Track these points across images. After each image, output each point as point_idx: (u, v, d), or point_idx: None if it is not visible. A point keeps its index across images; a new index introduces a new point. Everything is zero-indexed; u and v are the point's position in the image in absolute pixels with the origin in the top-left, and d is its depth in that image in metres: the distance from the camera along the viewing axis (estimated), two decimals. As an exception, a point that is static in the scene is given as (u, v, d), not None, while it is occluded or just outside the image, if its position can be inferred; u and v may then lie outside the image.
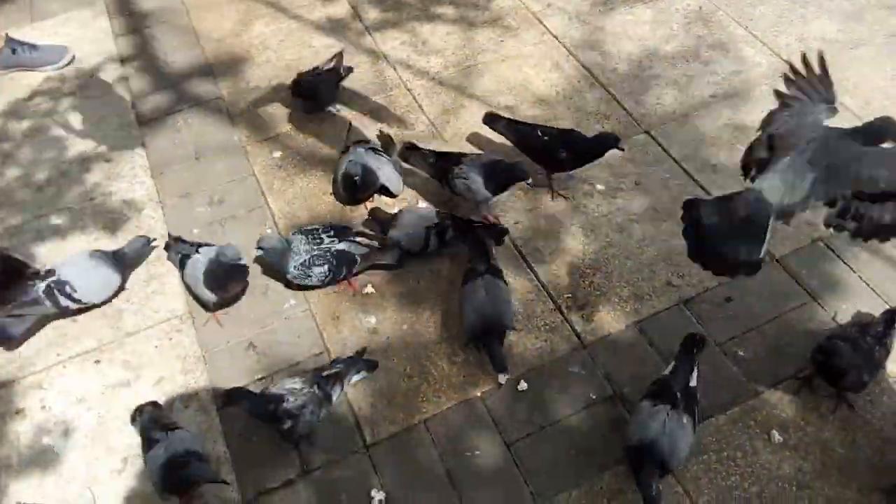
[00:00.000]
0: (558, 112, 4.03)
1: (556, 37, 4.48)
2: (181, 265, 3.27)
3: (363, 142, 3.72)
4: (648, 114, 3.98)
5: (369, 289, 3.30)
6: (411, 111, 4.11)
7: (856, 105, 3.89)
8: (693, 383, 2.66)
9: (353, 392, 2.98)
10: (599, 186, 3.64)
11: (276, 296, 3.32)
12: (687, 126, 3.90)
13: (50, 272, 3.16)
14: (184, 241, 3.37)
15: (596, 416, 2.86)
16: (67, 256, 3.32)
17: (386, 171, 3.58)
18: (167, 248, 3.42)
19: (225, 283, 3.17)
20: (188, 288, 3.30)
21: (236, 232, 3.54)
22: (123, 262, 3.32)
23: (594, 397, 2.92)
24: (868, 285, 3.17)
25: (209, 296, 3.16)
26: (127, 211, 3.70)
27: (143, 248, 3.43)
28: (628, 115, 3.99)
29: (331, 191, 3.73)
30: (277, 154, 3.94)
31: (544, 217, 3.54)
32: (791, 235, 3.36)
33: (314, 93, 4.04)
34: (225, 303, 3.24)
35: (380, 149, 3.67)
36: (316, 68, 4.10)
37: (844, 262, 3.26)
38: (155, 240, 3.48)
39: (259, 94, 4.26)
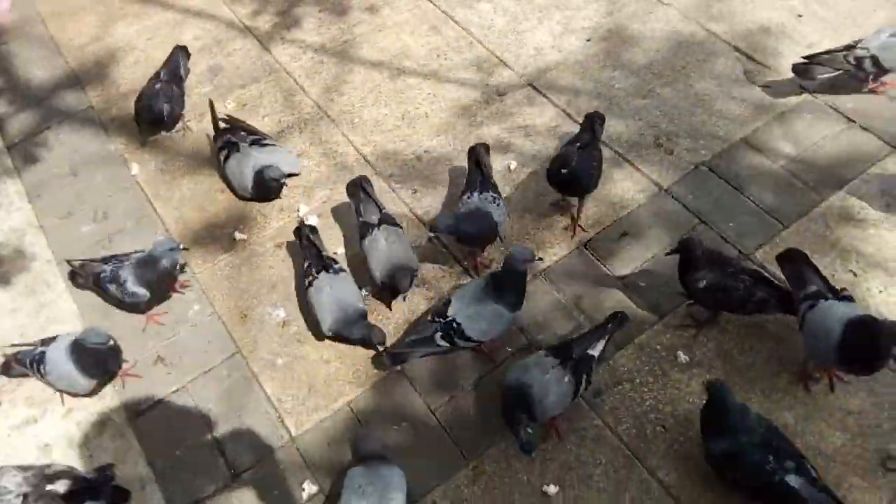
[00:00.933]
0: (441, 73, 4.02)
1: (430, 0, 4.44)
2: (38, 370, 2.89)
3: (239, 132, 3.59)
4: (528, 65, 4.01)
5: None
6: (295, 94, 4.01)
7: (721, 29, 4.05)
8: (593, 352, 2.68)
9: (272, 385, 2.94)
10: (491, 143, 3.67)
11: (180, 303, 3.22)
12: (566, 73, 3.95)
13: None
14: (25, 351, 2.95)
15: (514, 367, 2.92)
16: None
17: (280, 158, 3.52)
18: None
19: (103, 365, 2.86)
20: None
21: (126, 246, 3.40)
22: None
23: (510, 350, 2.98)
24: (752, 200, 3.32)
25: (85, 383, 2.84)
26: (5, 240, 3.50)
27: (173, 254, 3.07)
28: (509, 68, 4.01)
29: (223, 188, 3.62)
30: (160, 158, 3.79)
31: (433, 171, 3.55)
32: (675, 164, 3.49)
33: (161, 116, 3.70)
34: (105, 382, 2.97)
35: (258, 137, 3.59)
36: (156, 77, 3.83)
37: (728, 183, 3.40)
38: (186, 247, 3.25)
39: (132, 98, 4.07)
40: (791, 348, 2.84)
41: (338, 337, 2.92)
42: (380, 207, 3.17)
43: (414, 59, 4.12)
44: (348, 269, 3.11)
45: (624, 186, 3.44)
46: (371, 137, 3.76)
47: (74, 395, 2.94)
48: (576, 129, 3.68)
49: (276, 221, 3.46)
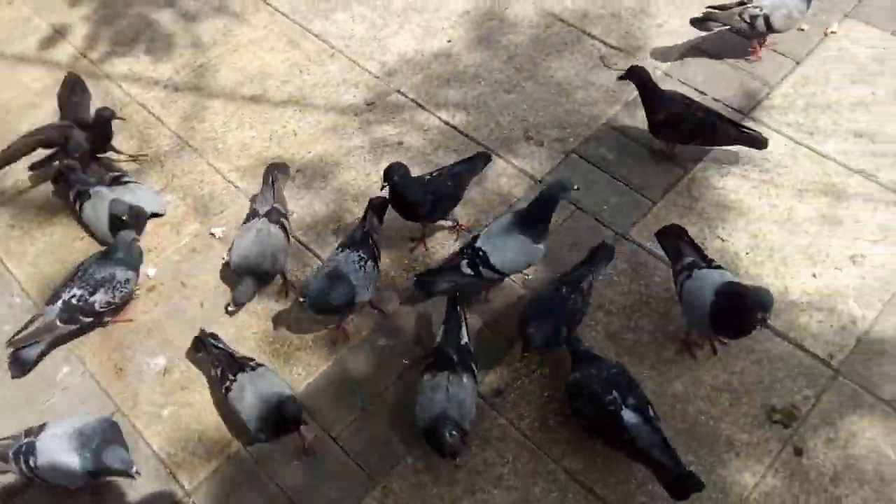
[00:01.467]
0: (305, 88, 3.92)
1: (285, 14, 4.33)
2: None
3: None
4: (393, 72, 3.98)
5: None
6: (150, 126, 3.80)
7: (574, 19, 4.16)
8: (464, 340, 2.71)
9: (158, 440, 2.76)
10: (363, 155, 3.61)
11: (48, 367, 2.97)
12: (431, 76, 3.95)
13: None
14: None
15: (412, 377, 2.84)
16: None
17: (142, 196, 3.33)
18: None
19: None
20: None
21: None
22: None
23: (406, 362, 2.93)
24: (621, 182, 3.43)
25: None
26: None
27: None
28: (374, 77, 3.97)
29: (82, 235, 3.37)
30: (7, 213, 3.48)
31: (321, 199, 3.45)
32: (546, 155, 3.55)
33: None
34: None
35: (119, 174, 3.40)
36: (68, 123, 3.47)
37: (598, 167, 3.49)
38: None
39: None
40: (674, 321, 2.94)
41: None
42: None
43: (275, 76, 4.00)
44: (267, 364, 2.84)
45: (500, 182, 3.47)
46: (238, 162, 3.61)
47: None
48: (447, 131, 3.70)
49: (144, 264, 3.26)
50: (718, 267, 2.78)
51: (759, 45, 3.87)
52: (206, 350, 2.84)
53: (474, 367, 2.66)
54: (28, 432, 2.58)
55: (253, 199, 3.27)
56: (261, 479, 2.65)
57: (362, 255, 2.88)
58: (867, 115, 3.59)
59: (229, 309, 3.05)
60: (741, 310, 2.52)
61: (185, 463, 2.70)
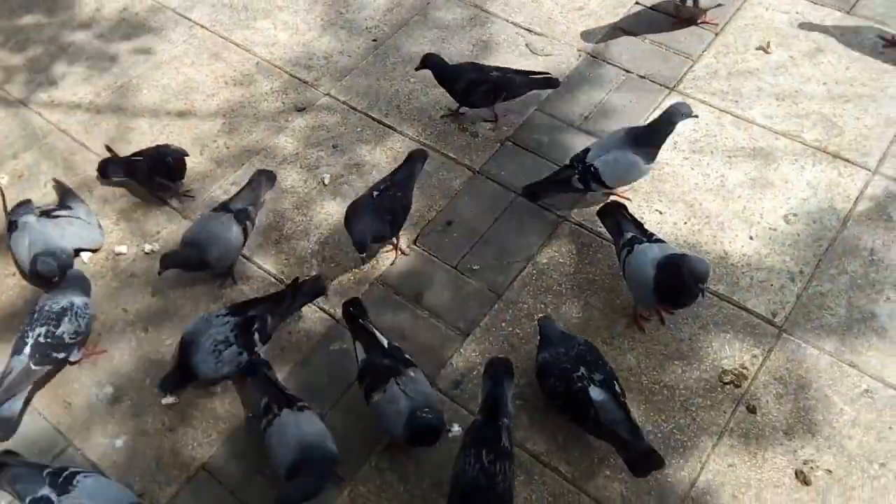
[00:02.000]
0: (233, 100, 3.85)
1: (205, 27, 4.24)
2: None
3: (25, 204, 3.29)
4: (321, 76, 3.94)
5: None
6: (75, 153, 3.67)
7: (497, 8, 4.19)
8: (385, 343, 2.67)
9: (115, 469, 2.67)
10: (299, 163, 3.57)
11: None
12: (360, 77, 3.92)
13: None
14: None
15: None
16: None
17: (73, 232, 3.19)
18: None
19: None
20: None
21: None
22: None
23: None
24: (557, 164, 3.46)
25: None
26: None
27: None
28: (303, 82, 3.92)
29: (14, 271, 3.25)
30: (-70, 254, 3.33)
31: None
32: (481, 145, 3.57)
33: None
34: None
35: (53, 207, 3.26)
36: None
37: (535, 153, 3.52)
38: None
39: None
40: (621, 295, 2.99)
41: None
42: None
43: (201, 90, 3.91)
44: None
45: (440, 177, 3.47)
46: (172, 182, 3.53)
47: None
48: (381, 130, 3.68)
49: (83, 294, 3.15)
50: (659, 240, 2.83)
51: (703, 14, 4.00)
52: (255, 378, 2.73)
53: (411, 359, 2.64)
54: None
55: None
56: (224, 497, 2.60)
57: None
58: (787, 78, 3.71)
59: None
60: (680, 281, 2.57)
61: (146, 491, 2.62)
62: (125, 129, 3.76)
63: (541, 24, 4.09)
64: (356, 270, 3.16)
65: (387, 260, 3.19)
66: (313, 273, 3.11)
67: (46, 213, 3.24)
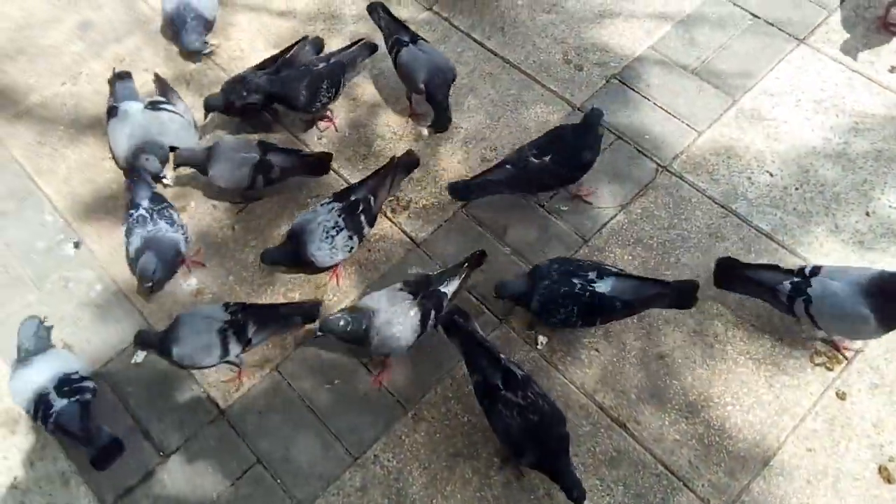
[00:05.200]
0: (335, 4, 3.74)
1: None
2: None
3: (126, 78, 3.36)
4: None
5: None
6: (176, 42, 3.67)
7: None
8: (445, 290, 2.64)
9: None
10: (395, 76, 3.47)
11: (80, 286, 2.97)
12: (468, -8, 3.75)
13: None
14: None
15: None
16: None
17: (173, 130, 3.19)
18: None
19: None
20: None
21: (10, 229, 3.10)
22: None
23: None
24: (665, 109, 3.26)
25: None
26: None
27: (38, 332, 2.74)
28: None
29: (109, 155, 3.32)
30: (35, 129, 3.43)
31: (352, 122, 3.33)
32: (585, 80, 3.38)
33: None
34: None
35: (160, 100, 3.26)
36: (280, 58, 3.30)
37: (639, 93, 3.32)
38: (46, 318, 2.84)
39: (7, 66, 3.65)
40: (716, 257, 2.83)
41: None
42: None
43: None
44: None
45: (537, 110, 3.32)
46: (267, 83, 3.49)
47: None
48: (482, 53, 3.52)
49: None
50: None
51: None
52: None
53: (434, 314, 2.59)
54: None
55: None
56: (292, 397, 2.67)
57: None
58: (934, 41, 3.35)
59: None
60: None
61: (218, 384, 2.71)
62: (226, 23, 3.72)
63: (665, -45, 3.78)
64: (442, 194, 3.10)
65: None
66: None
67: (153, 104, 3.23)
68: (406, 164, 2.99)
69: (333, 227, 2.77)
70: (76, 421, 2.48)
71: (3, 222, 3.14)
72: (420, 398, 2.64)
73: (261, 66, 3.30)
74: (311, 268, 2.87)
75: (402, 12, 3.67)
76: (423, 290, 2.59)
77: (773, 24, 3.47)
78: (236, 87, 3.18)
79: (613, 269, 2.54)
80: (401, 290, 2.58)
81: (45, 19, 3.80)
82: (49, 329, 2.80)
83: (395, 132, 3.31)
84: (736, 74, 3.32)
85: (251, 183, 2.99)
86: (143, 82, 3.48)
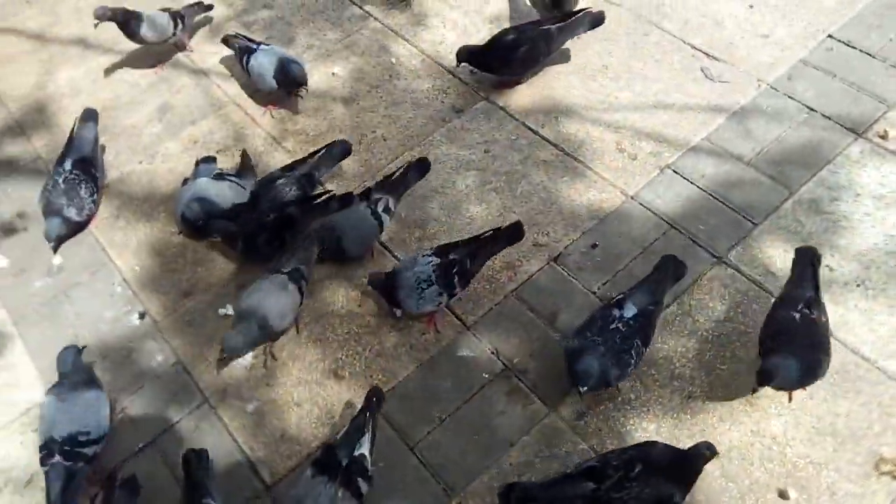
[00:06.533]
0: (395, 92, 3.92)
1: (378, 19, 4.35)
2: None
3: (208, 161, 3.58)
4: (483, 79, 3.93)
5: (229, 310, 3.15)
6: (245, 126, 3.90)
7: (675, 27, 4.00)
8: (362, 451, 2.46)
9: (243, 433, 2.82)
10: (450, 163, 3.58)
11: (143, 355, 3.09)
12: (522, 85, 3.87)
13: None
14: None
15: (491, 394, 2.82)
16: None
17: (230, 197, 3.38)
18: None
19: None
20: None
21: (83, 300, 3.27)
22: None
23: (486, 376, 2.88)
24: (720, 200, 3.26)
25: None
26: (-44, 305, 3.35)
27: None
28: (464, 83, 3.93)
29: (179, 230, 3.49)
30: (113, 203, 3.65)
31: (405, 205, 3.43)
32: (639, 169, 3.42)
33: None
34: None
35: (228, 172, 3.48)
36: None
37: (694, 184, 3.34)
38: (85, 346, 3.01)
39: (79, 143, 3.93)
40: (772, 350, 2.76)
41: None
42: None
43: (366, 81, 4.02)
44: None
45: (590, 196, 3.37)
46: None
47: None
48: (535, 141, 3.62)
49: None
50: None
51: None
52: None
53: (361, 488, 2.43)
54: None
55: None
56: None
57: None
58: None
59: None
60: None
61: (267, 458, 2.74)
62: (292, 114, 3.94)
63: (720, 49, 3.86)
64: (494, 279, 3.13)
65: (525, 274, 3.14)
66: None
67: (220, 175, 3.46)
68: (509, 235, 3.03)
69: (426, 280, 2.86)
70: (57, 486, 2.54)
71: (76, 292, 3.31)
72: (465, 486, 2.61)
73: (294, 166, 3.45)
74: (401, 309, 2.97)
75: (458, 102, 3.83)
76: (333, 465, 2.42)
77: (829, 118, 3.47)
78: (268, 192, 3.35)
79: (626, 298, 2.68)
80: (314, 476, 2.42)
81: (129, 102, 4.09)
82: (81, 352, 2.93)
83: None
84: (792, 167, 3.31)
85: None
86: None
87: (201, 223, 3.28)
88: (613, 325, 2.61)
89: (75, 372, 2.83)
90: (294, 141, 3.79)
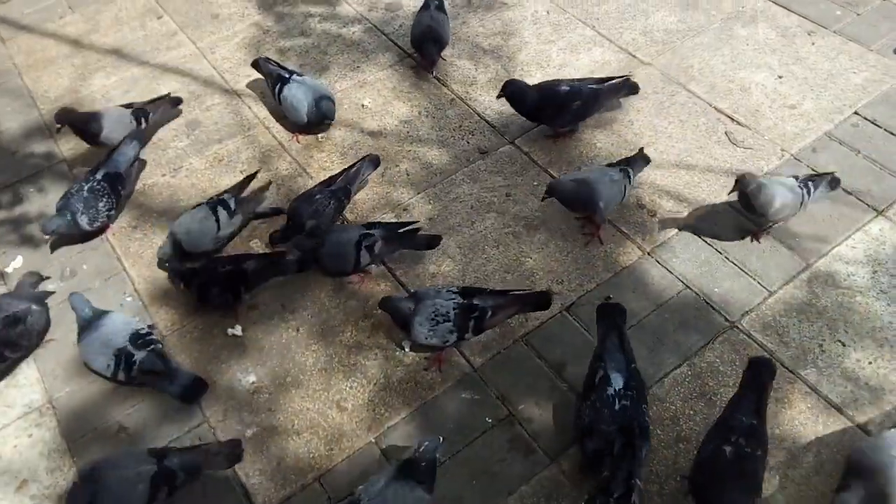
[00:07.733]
0: (423, 129, 3.97)
1: (413, 57, 4.43)
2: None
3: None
4: (510, 123, 3.98)
5: (238, 331, 3.17)
6: (272, 150, 3.94)
7: (702, 90, 4.05)
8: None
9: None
10: (471, 203, 3.60)
11: (145, 368, 3.08)
12: (548, 132, 3.92)
13: None
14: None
15: (493, 439, 2.80)
16: None
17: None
18: None
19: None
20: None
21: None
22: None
23: (490, 421, 2.85)
24: (736, 265, 3.26)
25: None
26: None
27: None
28: (491, 126, 3.98)
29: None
30: (132, 213, 3.68)
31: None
32: (658, 226, 3.43)
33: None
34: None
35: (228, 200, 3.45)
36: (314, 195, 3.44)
37: (712, 247, 3.35)
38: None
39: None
40: (783, 425, 2.74)
41: None
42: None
43: (394, 115, 4.07)
44: None
45: (607, 249, 3.38)
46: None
47: None
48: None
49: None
50: None
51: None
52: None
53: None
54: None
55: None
56: (331, 516, 2.64)
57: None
58: None
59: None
60: None
61: (261, 487, 2.71)
62: (322, 138, 3.98)
63: (745, 115, 3.90)
64: (504, 323, 3.12)
65: (536, 320, 3.13)
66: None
67: (220, 202, 3.43)
68: (536, 302, 2.98)
69: (443, 315, 2.84)
70: (159, 363, 2.91)
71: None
72: (460, 532, 2.57)
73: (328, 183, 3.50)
74: (409, 336, 2.94)
75: (484, 143, 3.87)
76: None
77: (851, 193, 3.49)
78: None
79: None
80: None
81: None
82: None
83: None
84: (811, 238, 3.32)
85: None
86: (235, 178, 3.72)
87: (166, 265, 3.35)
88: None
89: (93, 310, 3.08)
90: (317, 167, 3.83)
